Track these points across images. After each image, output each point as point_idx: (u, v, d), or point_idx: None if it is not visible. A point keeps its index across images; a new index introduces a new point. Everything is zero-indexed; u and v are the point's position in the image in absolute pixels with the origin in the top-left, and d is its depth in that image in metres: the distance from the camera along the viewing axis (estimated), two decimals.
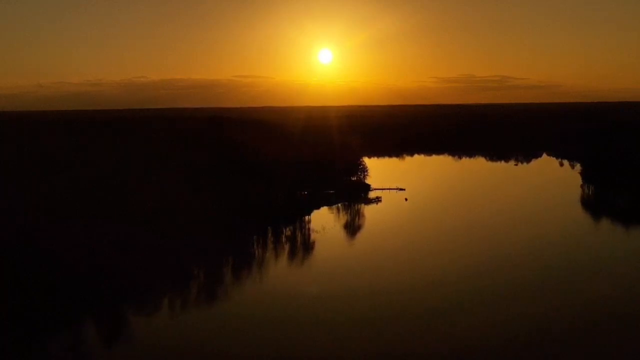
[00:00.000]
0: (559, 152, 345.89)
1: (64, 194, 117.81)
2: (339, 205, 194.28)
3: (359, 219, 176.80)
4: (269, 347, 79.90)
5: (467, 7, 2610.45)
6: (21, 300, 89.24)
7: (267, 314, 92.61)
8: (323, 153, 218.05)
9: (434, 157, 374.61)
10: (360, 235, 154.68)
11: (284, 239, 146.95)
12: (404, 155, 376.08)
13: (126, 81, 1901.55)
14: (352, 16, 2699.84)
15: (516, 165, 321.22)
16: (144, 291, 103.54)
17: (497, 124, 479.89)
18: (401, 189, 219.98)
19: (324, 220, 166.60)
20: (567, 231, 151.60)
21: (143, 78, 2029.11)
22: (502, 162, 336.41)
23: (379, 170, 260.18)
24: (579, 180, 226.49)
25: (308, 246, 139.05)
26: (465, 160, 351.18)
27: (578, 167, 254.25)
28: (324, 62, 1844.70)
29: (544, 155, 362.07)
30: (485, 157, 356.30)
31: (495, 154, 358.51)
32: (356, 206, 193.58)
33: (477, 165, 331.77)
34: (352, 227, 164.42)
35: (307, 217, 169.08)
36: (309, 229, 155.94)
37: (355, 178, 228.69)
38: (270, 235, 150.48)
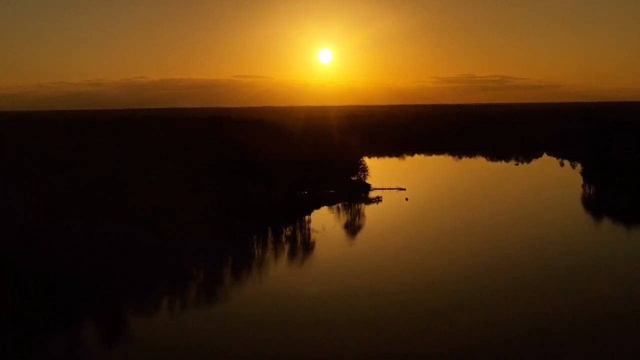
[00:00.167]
0: (559, 152, 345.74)
1: (64, 194, 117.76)
2: (339, 205, 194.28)
3: (359, 218, 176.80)
4: (269, 347, 79.89)
5: (467, 7, 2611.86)
6: (21, 300, 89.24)
7: (267, 314, 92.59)
8: (323, 153, 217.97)
9: (434, 157, 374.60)
10: (360, 235, 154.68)
11: (284, 239, 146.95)
12: (404, 155, 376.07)
13: (126, 81, 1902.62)
14: (352, 16, 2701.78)
15: (516, 165, 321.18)
16: (144, 291, 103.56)
17: (497, 124, 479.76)
18: (402, 189, 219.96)
19: (324, 220, 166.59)
20: (567, 231, 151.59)
21: (143, 78, 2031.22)
22: (503, 162, 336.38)
23: (379, 170, 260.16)
24: (579, 180, 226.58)
25: (308, 246, 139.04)
26: (466, 160, 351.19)
27: (579, 167, 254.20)
28: (324, 62, 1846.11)
29: (545, 155, 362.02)
30: (486, 157, 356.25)
31: (495, 154, 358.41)
32: (356, 206, 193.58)
33: (477, 165, 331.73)
34: (353, 227, 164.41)
35: (307, 217, 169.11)
36: (309, 228, 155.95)
37: (355, 178, 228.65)
38: (270, 235, 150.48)
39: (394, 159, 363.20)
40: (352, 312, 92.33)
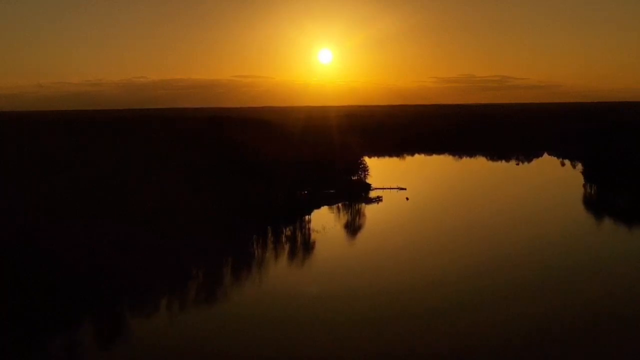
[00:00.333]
0: (559, 152, 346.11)
1: (64, 194, 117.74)
2: (340, 204, 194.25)
3: (359, 218, 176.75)
4: (269, 347, 79.87)
5: (467, 7, 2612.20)
6: (21, 300, 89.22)
7: (267, 314, 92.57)
8: (323, 153, 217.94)
9: (435, 157, 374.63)
10: (360, 235, 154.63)
11: (284, 239, 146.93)
12: (405, 155, 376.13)
13: (126, 81, 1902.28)
14: (352, 16, 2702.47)
15: (517, 164, 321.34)
16: (144, 291, 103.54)
17: (497, 124, 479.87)
18: (402, 189, 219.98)
19: (325, 220, 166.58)
20: (567, 231, 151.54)
21: (143, 78, 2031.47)
22: (503, 161, 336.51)
23: (380, 170, 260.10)
24: (580, 179, 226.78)
25: (308, 246, 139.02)
26: (466, 160, 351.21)
27: (579, 166, 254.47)
28: (324, 62, 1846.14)
29: (545, 154, 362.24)
30: (486, 157, 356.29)
31: (495, 153, 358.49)
32: (357, 206, 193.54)
33: (477, 165, 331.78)
34: (353, 227, 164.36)
35: (307, 217, 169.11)
36: (309, 228, 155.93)
37: (355, 177, 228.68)
38: (270, 235, 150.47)
39: (394, 159, 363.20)
40: (352, 312, 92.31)
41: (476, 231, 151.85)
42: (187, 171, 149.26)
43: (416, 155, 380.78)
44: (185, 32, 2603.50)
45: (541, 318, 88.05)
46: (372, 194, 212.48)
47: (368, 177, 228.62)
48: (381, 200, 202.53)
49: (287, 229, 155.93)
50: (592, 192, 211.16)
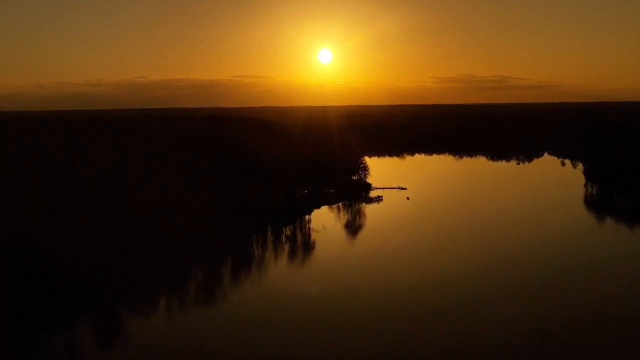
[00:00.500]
0: (560, 152, 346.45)
1: (64, 194, 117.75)
2: (340, 204, 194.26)
3: (359, 218, 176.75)
4: (269, 347, 79.89)
5: (467, 7, 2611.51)
6: (21, 300, 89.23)
7: (267, 314, 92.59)
8: (323, 153, 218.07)
9: (435, 156, 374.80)
10: (361, 235, 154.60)
11: (284, 239, 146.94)
12: (405, 155, 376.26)
13: (126, 81, 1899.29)
14: (352, 16, 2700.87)
15: (518, 164, 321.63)
16: (144, 291, 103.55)
17: (497, 124, 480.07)
18: (402, 188, 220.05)
19: (325, 220, 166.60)
20: (567, 231, 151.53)
21: (143, 78, 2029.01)
22: (503, 161, 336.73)
23: (380, 170, 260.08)
24: (580, 179, 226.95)
25: (308, 246, 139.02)
26: (466, 160, 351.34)
27: (580, 166, 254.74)
28: (324, 62, 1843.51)
29: (546, 154, 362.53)
30: (487, 157, 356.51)
31: (495, 153, 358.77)
32: (357, 205, 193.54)
33: (478, 165, 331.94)
34: (353, 227, 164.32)
35: (307, 217, 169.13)
36: (309, 228, 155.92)
37: (356, 177, 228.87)
38: (270, 235, 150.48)
39: (394, 159, 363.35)
40: (352, 312, 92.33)
41: (476, 231, 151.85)
42: (187, 171, 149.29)
43: (416, 155, 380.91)
44: (185, 32, 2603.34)
45: (541, 318, 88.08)
46: (373, 194, 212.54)
47: (368, 176, 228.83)
48: (382, 200, 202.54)
49: (287, 228, 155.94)
50: (593, 192, 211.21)
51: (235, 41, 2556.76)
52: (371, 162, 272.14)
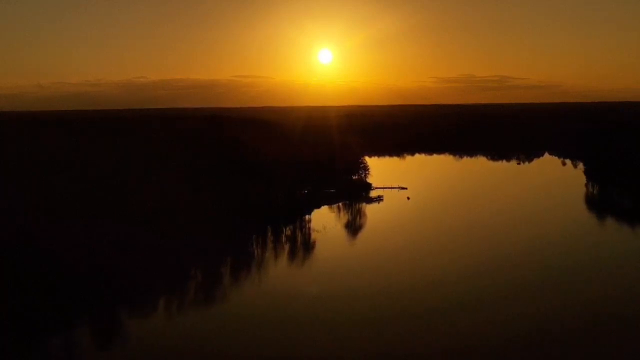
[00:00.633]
0: (560, 152, 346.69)
1: (64, 194, 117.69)
2: (340, 204, 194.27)
3: (360, 218, 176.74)
4: (269, 347, 79.87)
5: (467, 7, 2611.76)
6: (21, 300, 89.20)
7: (267, 314, 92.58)
8: (323, 153, 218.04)
9: (435, 156, 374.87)
10: (361, 235, 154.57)
11: (284, 239, 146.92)
12: (405, 155, 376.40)
13: (126, 81, 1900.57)
14: (352, 16, 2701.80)
15: (518, 164, 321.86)
16: (144, 291, 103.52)
17: (497, 124, 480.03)
18: (403, 188, 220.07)
19: (325, 220, 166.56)
20: (567, 231, 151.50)
21: (143, 78, 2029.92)
22: (503, 161, 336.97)
23: (380, 170, 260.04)
24: (580, 179, 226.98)
25: (308, 246, 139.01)
26: (466, 160, 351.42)
27: (580, 166, 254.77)
28: (324, 62, 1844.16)
29: (546, 154, 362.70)
30: (487, 157, 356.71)
31: (496, 153, 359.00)
32: (357, 205, 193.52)
33: (478, 165, 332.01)
34: (353, 227, 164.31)
35: (307, 217, 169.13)
36: (309, 228, 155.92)
37: (356, 177, 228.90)
38: (270, 235, 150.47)
39: (395, 159, 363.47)
40: (352, 312, 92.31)
41: (477, 231, 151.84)
42: (187, 171, 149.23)
43: (416, 155, 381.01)
44: (185, 32, 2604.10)
45: (541, 318, 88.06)
46: (373, 194, 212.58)
47: (368, 176, 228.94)
48: (382, 199, 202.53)
49: (287, 228, 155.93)
50: (593, 191, 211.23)
51: (235, 41, 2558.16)
52: (371, 162, 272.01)
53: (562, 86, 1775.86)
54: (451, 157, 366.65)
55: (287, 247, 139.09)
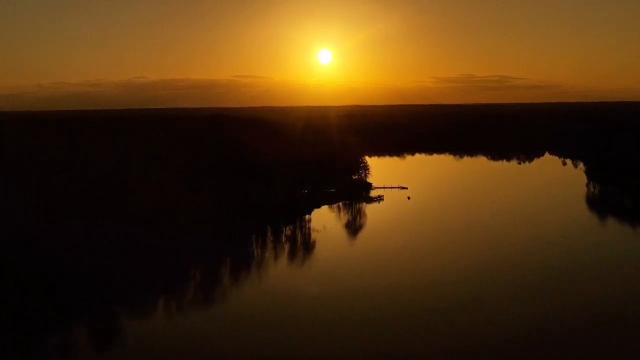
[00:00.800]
0: (561, 152, 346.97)
1: (64, 194, 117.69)
2: (340, 204, 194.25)
3: (360, 218, 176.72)
4: (269, 347, 79.86)
5: (467, 8, 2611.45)
6: (21, 300, 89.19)
7: (267, 314, 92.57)
8: (323, 153, 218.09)
9: (435, 156, 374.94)
10: (361, 235, 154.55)
11: (284, 239, 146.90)
12: (405, 154, 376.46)
13: (126, 81, 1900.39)
14: (352, 16, 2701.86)
15: (519, 164, 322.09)
16: (144, 291, 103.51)
17: (497, 124, 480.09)
18: (403, 188, 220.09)
19: (325, 220, 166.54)
20: (567, 231, 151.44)
21: (143, 78, 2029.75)
22: (504, 161, 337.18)
23: (380, 170, 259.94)
24: (581, 179, 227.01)
25: (308, 246, 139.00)
26: (467, 160, 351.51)
27: (581, 166, 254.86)
28: (324, 63, 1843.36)
29: (547, 154, 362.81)
30: (487, 157, 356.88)
31: (496, 153, 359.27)
32: (357, 205, 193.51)
33: (478, 165, 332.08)
34: (354, 227, 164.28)
35: (307, 217, 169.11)
36: (309, 228, 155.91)
37: (356, 177, 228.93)
38: (270, 235, 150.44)
39: (395, 159, 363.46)
40: (352, 312, 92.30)
41: (477, 231, 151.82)
42: (187, 171, 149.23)
43: (416, 155, 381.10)
44: (185, 32, 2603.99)
45: (541, 318, 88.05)
46: (373, 193, 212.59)
47: (369, 176, 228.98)
48: (382, 199, 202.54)
49: (287, 228, 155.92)
50: (593, 191, 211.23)
51: (235, 41, 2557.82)
52: (371, 162, 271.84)
53: (562, 86, 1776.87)
54: (451, 157, 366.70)
55: (287, 247, 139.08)
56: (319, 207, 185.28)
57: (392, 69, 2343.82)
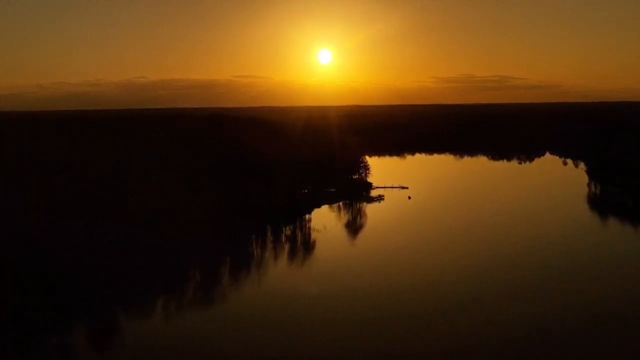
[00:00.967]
0: (561, 152, 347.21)
1: (64, 194, 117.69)
2: (341, 204, 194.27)
3: (360, 217, 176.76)
4: (269, 347, 79.85)
5: (467, 7, 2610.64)
6: (21, 300, 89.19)
7: (267, 314, 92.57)
8: (323, 153, 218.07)
9: (435, 156, 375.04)
10: (361, 235, 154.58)
11: (284, 239, 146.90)
12: (405, 154, 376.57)
13: (126, 81, 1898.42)
14: (352, 16, 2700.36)
15: (520, 164, 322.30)
16: (144, 291, 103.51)
17: (497, 124, 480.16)
18: (404, 187, 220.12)
19: (325, 220, 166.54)
20: (567, 231, 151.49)
21: (143, 78, 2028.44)
22: (504, 161, 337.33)
23: (381, 169, 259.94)
24: (581, 179, 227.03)
25: (308, 246, 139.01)
26: (467, 160, 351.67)
27: (582, 166, 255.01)
28: (324, 63, 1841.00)
29: (547, 154, 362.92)
30: (487, 157, 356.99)
31: (496, 153, 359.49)
32: (358, 205, 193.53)
33: (479, 165, 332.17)
34: (354, 226, 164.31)
35: (307, 217, 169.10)
36: (309, 228, 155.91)
37: (356, 176, 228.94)
38: (270, 235, 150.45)
39: (395, 159, 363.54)
40: (352, 312, 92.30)
41: (477, 231, 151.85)
42: (187, 171, 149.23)
43: (417, 155, 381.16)
44: (185, 32, 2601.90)
45: (541, 318, 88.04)
46: (374, 193, 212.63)
47: (369, 176, 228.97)
48: (383, 199, 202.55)
49: (287, 228, 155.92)
50: (593, 191, 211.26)
51: (235, 41, 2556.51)
52: (371, 161, 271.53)
53: (562, 86, 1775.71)
54: (451, 157, 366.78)
55: (287, 247, 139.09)
56: (319, 207, 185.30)
57: (392, 69, 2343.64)
